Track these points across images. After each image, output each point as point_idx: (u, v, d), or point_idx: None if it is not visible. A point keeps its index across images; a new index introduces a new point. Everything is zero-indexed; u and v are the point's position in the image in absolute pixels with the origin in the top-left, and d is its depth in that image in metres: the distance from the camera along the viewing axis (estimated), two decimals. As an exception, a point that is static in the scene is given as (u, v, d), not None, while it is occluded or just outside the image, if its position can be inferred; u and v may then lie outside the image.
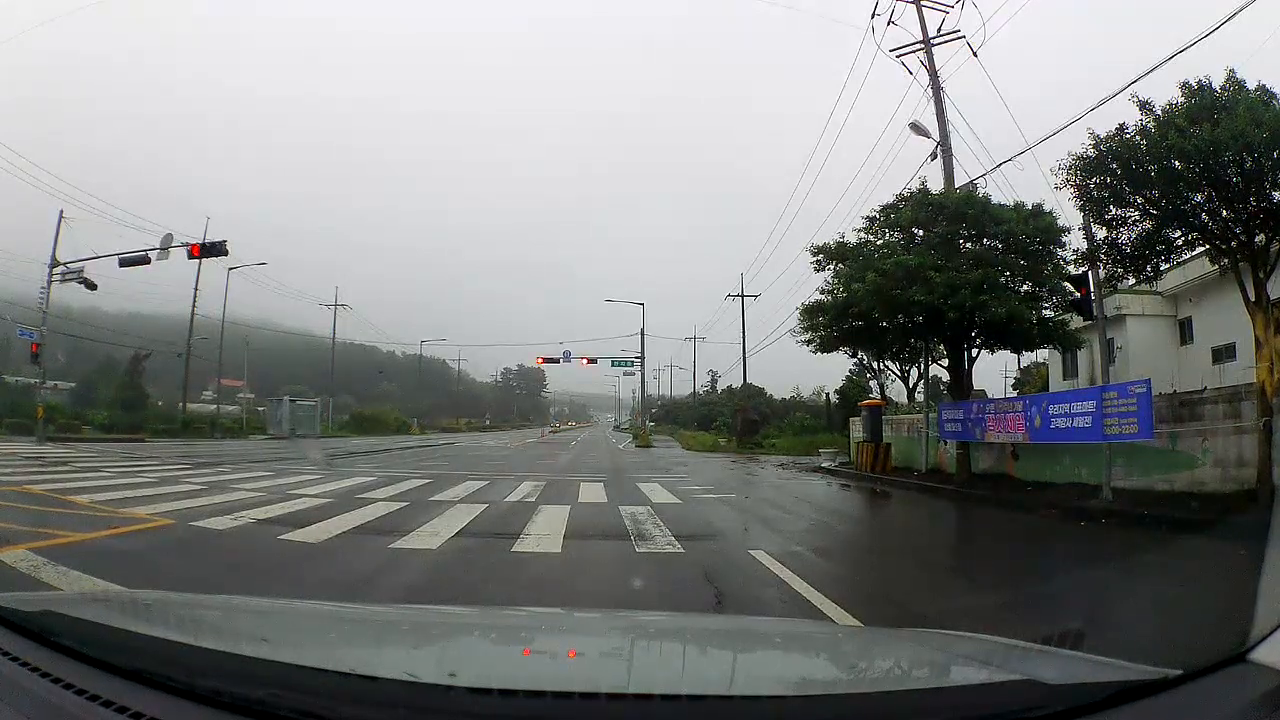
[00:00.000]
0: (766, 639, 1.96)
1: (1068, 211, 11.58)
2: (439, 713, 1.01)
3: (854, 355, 19.18)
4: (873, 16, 16.16)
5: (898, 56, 15.98)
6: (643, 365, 44.46)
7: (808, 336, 15.21)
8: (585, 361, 44.73)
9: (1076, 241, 10.97)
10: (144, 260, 22.60)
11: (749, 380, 40.67)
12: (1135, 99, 8.28)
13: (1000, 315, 11.43)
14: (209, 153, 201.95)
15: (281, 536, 6.25)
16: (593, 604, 4.28)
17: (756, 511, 9.23)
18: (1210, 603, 3.98)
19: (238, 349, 42.18)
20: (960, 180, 14.48)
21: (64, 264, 23.37)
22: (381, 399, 67.95)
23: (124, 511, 7.36)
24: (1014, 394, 26.41)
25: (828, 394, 39.24)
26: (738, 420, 37.06)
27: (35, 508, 7.31)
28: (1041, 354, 23.23)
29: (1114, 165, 8.35)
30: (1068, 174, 8.88)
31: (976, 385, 18.16)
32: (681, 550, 6.08)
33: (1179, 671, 1.08)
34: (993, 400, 14.89)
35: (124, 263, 22.79)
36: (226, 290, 36.61)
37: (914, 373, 23.01)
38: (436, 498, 9.73)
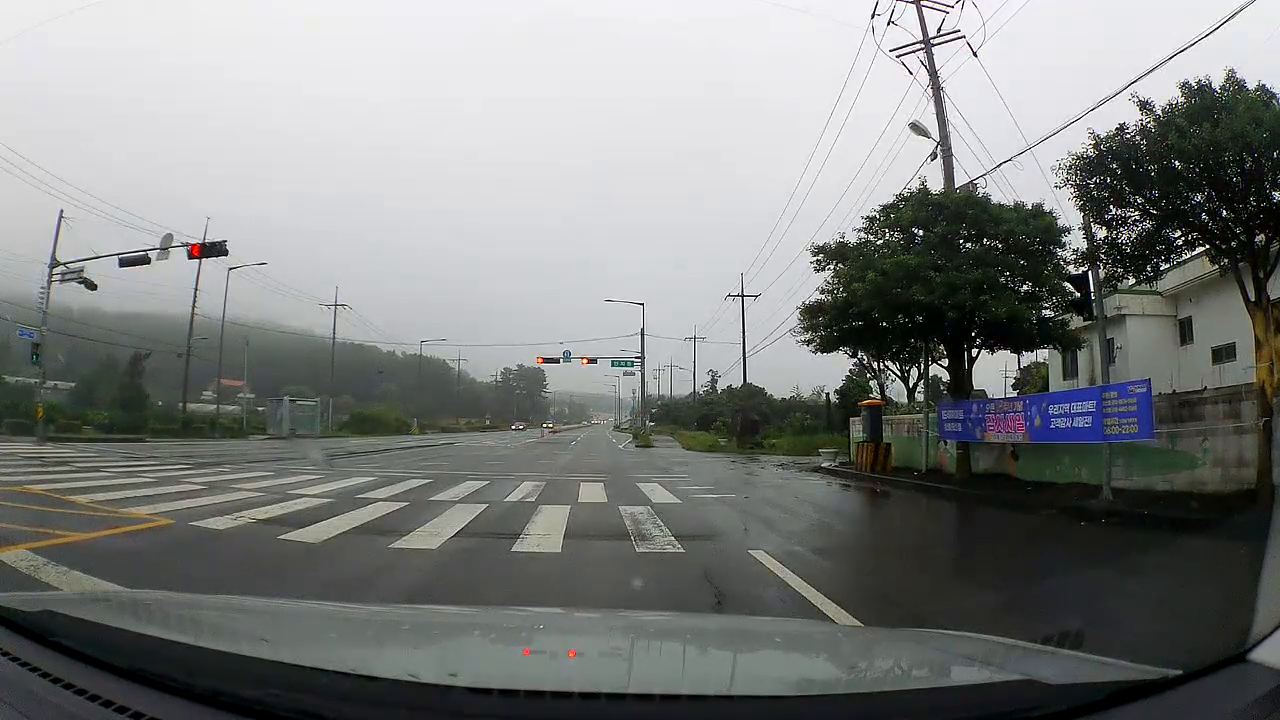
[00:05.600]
0: (766, 639, 1.96)
1: (1068, 211, 11.59)
2: (439, 713, 1.01)
3: (854, 355, 19.18)
4: (873, 16, 16.19)
5: (898, 57, 16.00)
6: (643, 365, 44.58)
7: (808, 336, 15.25)
8: (585, 361, 44.77)
9: (1076, 241, 10.99)
10: (144, 260, 22.63)
11: (749, 380, 40.69)
12: (1135, 99, 8.28)
13: (1000, 315, 11.43)
14: (209, 152, 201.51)
15: (282, 536, 6.25)
16: (593, 604, 4.27)
17: (756, 511, 9.22)
18: (1210, 602, 3.98)
19: (238, 349, 42.18)
20: (960, 180, 14.49)
21: (64, 264, 23.39)
22: (381, 399, 67.96)
23: (124, 511, 7.36)
24: (1014, 394, 26.42)
25: (828, 394, 39.23)
26: (738, 420, 37.08)
27: (35, 508, 7.31)
28: (1041, 354, 23.26)
29: (1114, 165, 8.35)
30: (1068, 174, 8.87)
31: (976, 385, 18.16)
32: (681, 550, 6.08)
33: (1179, 671, 1.08)
34: (993, 400, 14.89)
35: (124, 263, 22.82)
36: (226, 290, 36.75)
37: (914, 373, 23.03)
38: (436, 498, 9.74)
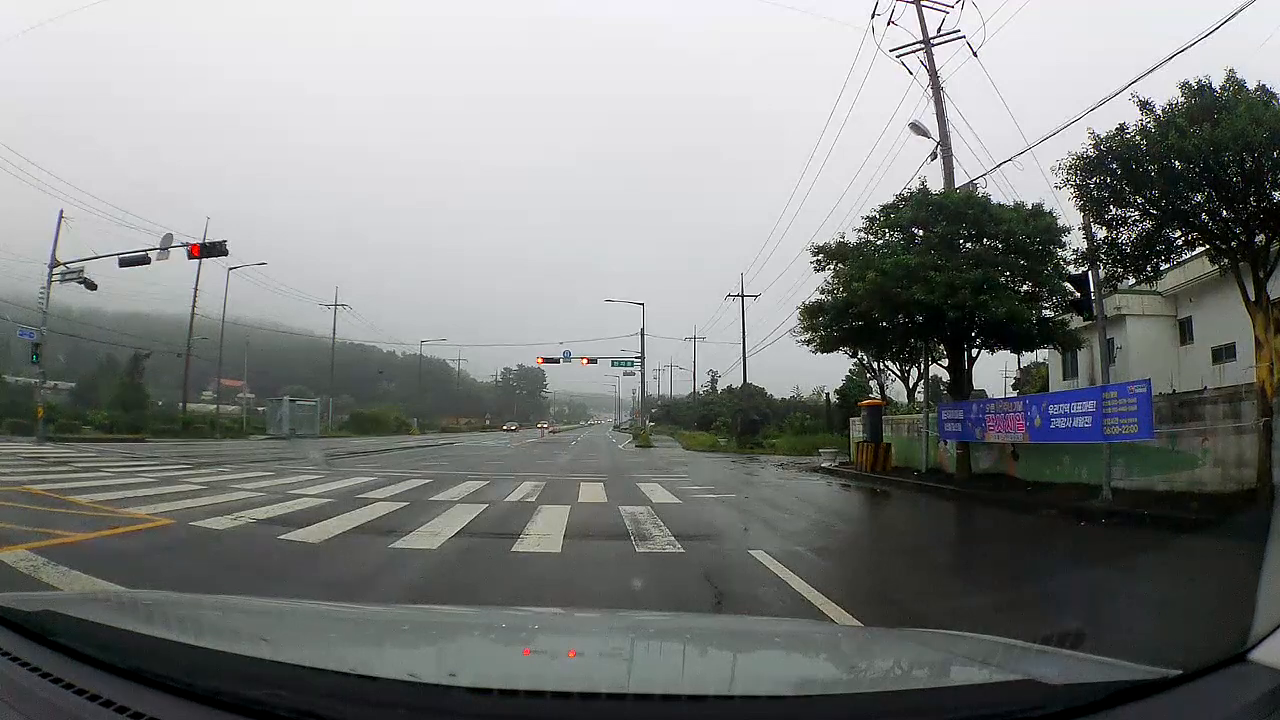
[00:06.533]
0: (766, 639, 1.96)
1: (1068, 211, 11.60)
2: (439, 713, 1.01)
3: (854, 355, 19.19)
4: (873, 16, 16.19)
5: (898, 57, 16.00)
6: (643, 365, 44.52)
7: (808, 336, 15.23)
8: (585, 361, 44.78)
9: (1076, 241, 10.99)
10: (144, 260, 22.62)
11: (749, 380, 40.71)
12: (1135, 99, 8.29)
13: (1000, 315, 11.44)
14: (209, 152, 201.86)
15: (282, 536, 6.25)
16: (593, 604, 4.27)
17: (756, 511, 9.23)
18: (1210, 602, 3.98)
19: (238, 349, 42.19)
20: (960, 180, 14.50)
21: (64, 264, 23.37)
22: (381, 399, 68.02)
23: (124, 511, 7.36)
24: (1014, 394, 26.41)
25: (828, 394, 39.21)
26: (738, 420, 37.09)
27: (35, 508, 7.31)
28: (1041, 354, 23.26)
29: (1114, 165, 8.35)
30: (1068, 174, 8.88)
31: (976, 385, 18.17)
32: (681, 550, 6.08)
33: (1179, 671, 1.08)
34: (993, 400, 14.89)
35: (124, 263, 22.81)
36: (226, 290, 36.74)
37: (914, 373, 23.01)
38: (436, 498, 9.73)
